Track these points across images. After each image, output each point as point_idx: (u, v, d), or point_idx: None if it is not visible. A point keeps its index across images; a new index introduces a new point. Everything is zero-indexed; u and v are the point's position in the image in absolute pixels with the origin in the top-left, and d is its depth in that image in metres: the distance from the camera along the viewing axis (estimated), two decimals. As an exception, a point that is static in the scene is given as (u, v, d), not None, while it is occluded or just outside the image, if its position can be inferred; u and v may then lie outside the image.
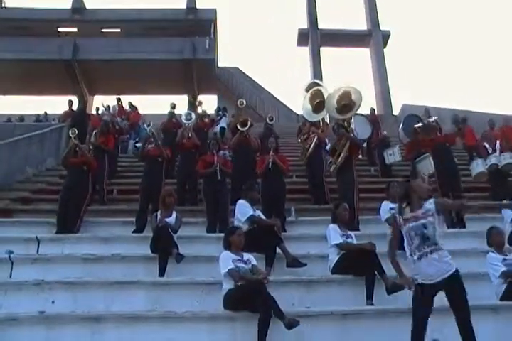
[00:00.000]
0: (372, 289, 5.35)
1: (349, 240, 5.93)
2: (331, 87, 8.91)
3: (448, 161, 8.52)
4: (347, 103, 7.91)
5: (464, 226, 7.78)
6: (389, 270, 5.25)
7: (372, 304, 5.26)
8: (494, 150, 9.84)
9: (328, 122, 10.41)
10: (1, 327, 4.75)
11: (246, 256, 5.27)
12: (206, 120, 12.22)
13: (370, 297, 5.33)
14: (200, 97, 19.58)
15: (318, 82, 11.03)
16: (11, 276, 6.09)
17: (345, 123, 8.24)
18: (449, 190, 8.07)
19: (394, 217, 4.41)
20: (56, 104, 26.74)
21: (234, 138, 9.91)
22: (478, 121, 13.72)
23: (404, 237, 4.21)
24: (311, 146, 9.36)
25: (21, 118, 18.51)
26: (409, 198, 4.26)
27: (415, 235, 4.09)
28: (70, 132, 8.48)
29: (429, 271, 4.02)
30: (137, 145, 12.39)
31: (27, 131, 12.49)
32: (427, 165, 8.52)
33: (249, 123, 9.78)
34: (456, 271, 4.06)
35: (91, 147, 9.11)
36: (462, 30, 60.20)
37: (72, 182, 7.96)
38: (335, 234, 5.89)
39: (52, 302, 5.39)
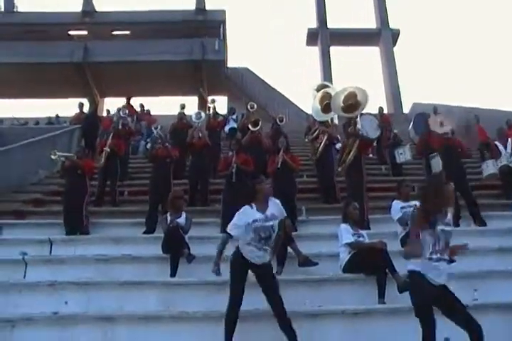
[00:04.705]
0: (384, 288, 5.35)
1: (361, 239, 5.92)
2: (340, 87, 8.88)
3: (456, 166, 8.24)
4: (353, 103, 7.90)
5: (485, 224, 7.73)
6: (400, 268, 5.25)
7: (384, 303, 5.25)
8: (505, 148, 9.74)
9: (336, 123, 10.38)
10: (16, 327, 4.85)
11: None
12: (219, 119, 12.26)
13: (382, 295, 5.32)
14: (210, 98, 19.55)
15: (328, 84, 11.05)
16: (25, 277, 6.18)
17: (352, 122, 8.23)
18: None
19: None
20: (67, 107, 27.04)
21: (245, 137, 9.97)
22: (491, 119, 13.62)
23: (428, 238, 4.02)
24: (321, 145, 9.36)
25: (37, 122, 18.77)
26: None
27: (442, 239, 4.02)
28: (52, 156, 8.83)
29: (440, 274, 4.01)
30: (148, 146, 12.47)
31: (39, 133, 12.61)
32: (438, 162, 8.42)
33: (260, 124, 9.83)
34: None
35: (108, 149, 9.32)
36: (473, 26, 59.73)
37: (70, 186, 8.28)
38: (346, 233, 5.88)
39: (66, 302, 5.46)
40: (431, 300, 4.00)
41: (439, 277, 4.00)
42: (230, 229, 4.80)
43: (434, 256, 4.01)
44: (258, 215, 4.75)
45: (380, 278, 5.41)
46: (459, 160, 8.49)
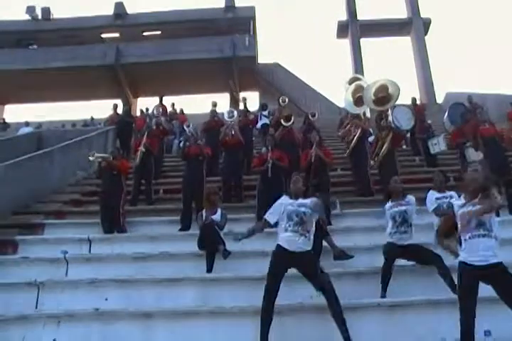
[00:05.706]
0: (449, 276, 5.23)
1: (402, 208, 5.77)
2: (372, 79, 8.82)
3: (496, 154, 7.97)
4: (384, 95, 7.85)
5: None
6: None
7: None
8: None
9: (369, 116, 10.29)
10: (62, 323, 5.03)
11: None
12: (251, 116, 12.29)
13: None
14: (242, 94, 19.69)
15: (359, 76, 10.99)
16: (67, 275, 6.37)
17: (384, 115, 8.16)
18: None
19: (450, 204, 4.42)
20: (102, 109, 27.59)
21: (278, 132, 9.99)
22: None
23: (460, 219, 4.18)
24: (355, 138, 9.30)
25: (73, 124, 19.23)
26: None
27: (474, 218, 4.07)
28: (90, 157, 8.83)
29: (476, 250, 3.98)
30: (181, 144, 12.60)
31: (76, 135, 12.93)
32: (473, 152, 8.22)
33: (292, 119, 9.84)
34: (501, 262, 4.00)
35: (143, 149, 9.46)
36: (506, 11, 58.06)
37: (107, 186, 8.34)
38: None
39: (106, 299, 5.61)
40: (467, 285, 3.99)
41: (474, 256, 3.97)
42: (266, 215, 5.11)
43: (466, 237, 4.05)
44: (291, 201, 5.02)
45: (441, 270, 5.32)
46: (500, 149, 8.26)
